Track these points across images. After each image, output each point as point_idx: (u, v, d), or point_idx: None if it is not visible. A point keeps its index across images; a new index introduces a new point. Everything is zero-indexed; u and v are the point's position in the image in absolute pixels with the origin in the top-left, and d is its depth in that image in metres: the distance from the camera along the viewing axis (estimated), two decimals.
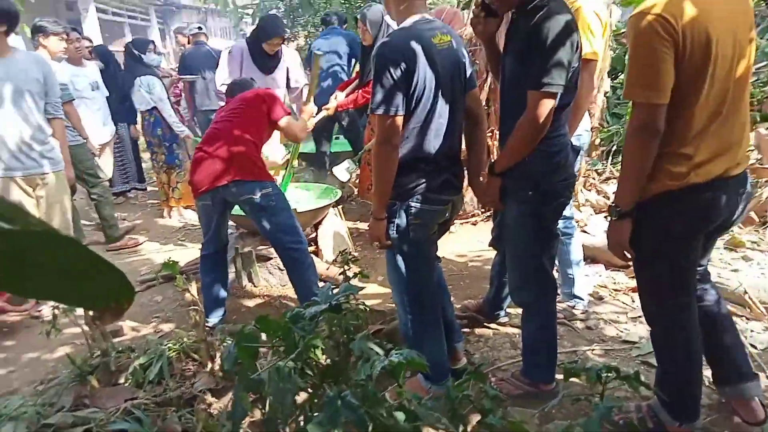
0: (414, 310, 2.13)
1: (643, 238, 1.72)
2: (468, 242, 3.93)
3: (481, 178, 2.19)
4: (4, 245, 0.32)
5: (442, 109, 1.97)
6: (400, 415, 1.00)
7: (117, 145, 5.31)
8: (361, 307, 2.41)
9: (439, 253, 3.67)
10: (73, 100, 4.10)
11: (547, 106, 1.78)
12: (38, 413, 2.10)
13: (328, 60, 4.82)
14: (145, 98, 4.77)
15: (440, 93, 1.94)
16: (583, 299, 2.82)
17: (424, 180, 1.97)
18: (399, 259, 2.07)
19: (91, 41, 4.97)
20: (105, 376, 2.45)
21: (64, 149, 3.42)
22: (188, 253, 4.08)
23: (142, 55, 5.00)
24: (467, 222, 4.21)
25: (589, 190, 4.10)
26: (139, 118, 5.27)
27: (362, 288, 2.24)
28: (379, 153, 1.90)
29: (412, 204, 1.98)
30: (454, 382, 2.13)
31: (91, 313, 2.50)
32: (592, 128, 4.01)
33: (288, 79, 4.47)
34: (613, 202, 1.73)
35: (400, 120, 1.87)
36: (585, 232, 3.66)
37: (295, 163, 3.78)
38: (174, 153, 4.83)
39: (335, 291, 1.36)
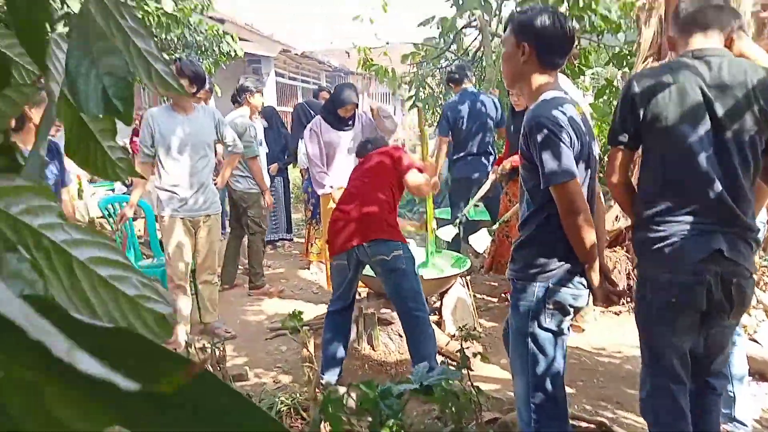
0: (539, 406, 1.90)
1: None
2: (608, 335, 3.56)
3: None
4: None
5: (586, 179, 1.84)
6: None
7: (272, 197, 5.77)
8: (476, 390, 2.28)
9: (572, 343, 3.41)
10: (258, 156, 4.58)
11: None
12: None
13: (474, 126, 4.79)
14: (302, 159, 5.20)
15: (585, 163, 1.83)
16: (746, 425, 2.36)
17: (566, 260, 1.80)
18: (530, 347, 1.87)
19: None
20: None
21: (226, 173, 4.11)
22: (318, 307, 4.21)
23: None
24: (609, 311, 3.82)
25: (764, 291, 3.51)
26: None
27: (462, 375, 2.09)
28: (571, 226, 1.74)
29: (551, 287, 1.82)
30: None
31: (216, 353, 2.65)
32: None
33: None
34: None
35: (578, 184, 1.74)
36: (754, 340, 3.12)
37: (434, 223, 3.75)
38: (317, 210, 5.11)
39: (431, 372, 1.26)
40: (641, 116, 1.78)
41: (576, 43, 7.04)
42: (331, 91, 4.74)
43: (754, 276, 1.80)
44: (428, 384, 1.62)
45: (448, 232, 4.13)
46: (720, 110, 1.70)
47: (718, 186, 1.71)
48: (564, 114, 1.75)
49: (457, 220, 4.27)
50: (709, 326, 1.82)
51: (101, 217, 4.56)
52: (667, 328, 1.82)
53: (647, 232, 1.82)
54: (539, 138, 1.73)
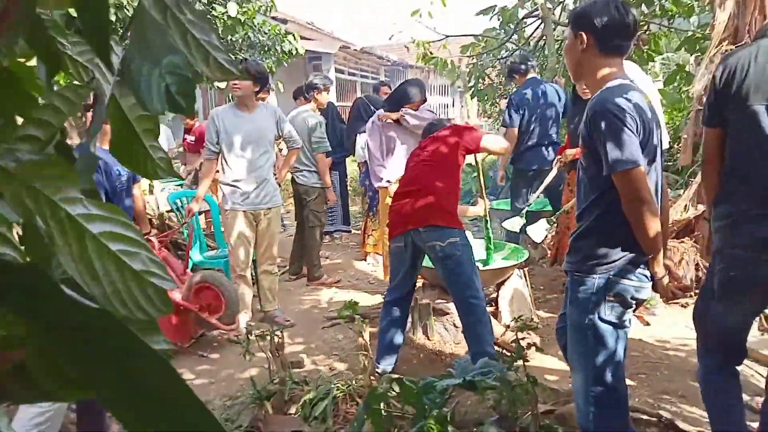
0: (599, 400, 1.84)
1: None
2: (674, 328, 3.40)
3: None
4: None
5: (656, 170, 1.79)
6: None
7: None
8: (531, 381, 2.25)
9: (636, 336, 3.29)
10: (328, 151, 4.69)
11: None
12: None
13: (539, 116, 4.68)
14: (359, 153, 5.27)
15: (654, 153, 1.77)
16: None
17: (628, 251, 1.75)
18: (590, 339, 1.82)
19: None
20: (279, 404, 2.65)
21: (284, 170, 4.20)
22: (375, 297, 4.27)
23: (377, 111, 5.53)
24: (676, 303, 3.65)
25: None
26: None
27: (505, 368, 2.06)
28: (635, 215, 1.69)
29: (612, 278, 1.76)
30: None
31: (275, 340, 2.74)
32: None
33: None
34: None
35: (643, 172, 1.68)
36: None
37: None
38: (374, 202, 5.16)
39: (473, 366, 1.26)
40: (722, 97, 1.79)
41: (645, 28, 6.76)
42: (395, 86, 4.68)
43: None
44: (470, 379, 1.60)
45: (516, 223, 4.05)
46: None
47: None
48: (629, 101, 1.69)
49: (524, 211, 4.19)
50: None
51: (170, 210, 4.80)
52: (725, 304, 1.87)
53: (718, 209, 1.89)
54: (603, 124, 1.69)
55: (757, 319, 3.23)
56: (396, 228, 2.92)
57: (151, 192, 5.63)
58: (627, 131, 1.66)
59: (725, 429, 1.94)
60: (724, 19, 3.62)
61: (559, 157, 4.26)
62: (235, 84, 3.59)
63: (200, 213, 5.03)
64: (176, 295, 3.57)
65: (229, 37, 7.47)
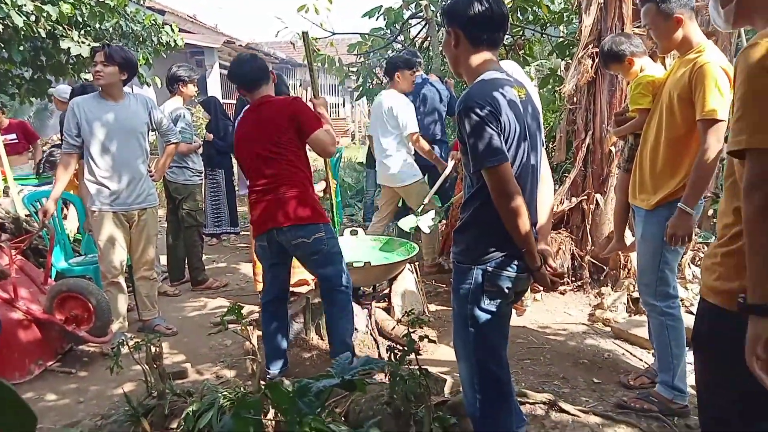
0: (483, 387, 1.88)
1: None
2: (553, 313, 3.60)
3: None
4: None
5: (527, 162, 1.80)
6: None
7: (213, 189, 5.59)
8: (423, 374, 2.24)
9: (520, 323, 3.44)
10: (193, 143, 4.42)
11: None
12: None
13: (424, 114, 4.74)
14: None
15: (525, 144, 1.78)
16: (685, 392, 2.42)
17: (503, 243, 1.77)
18: (471, 329, 1.84)
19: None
20: (158, 420, 2.42)
21: (163, 163, 3.75)
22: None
23: None
24: (555, 291, 3.87)
25: (698, 266, 3.63)
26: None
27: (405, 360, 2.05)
28: (503, 210, 1.70)
29: (489, 268, 1.78)
30: None
31: (151, 350, 2.51)
32: (705, 197, 3.61)
33: None
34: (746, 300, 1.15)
35: (507, 167, 1.69)
36: (691, 313, 3.21)
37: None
38: None
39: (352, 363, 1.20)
40: None
41: (521, 34, 7.15)
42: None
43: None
44: (349, 378, 1.53)
45: (410, 222, 4.06)
46: None
47: None
48: (501, 95, 1.71)
49: (419, 209, 4.21)
50: None
51: (29, 214, 4.28)
52: None
53: None
54: (467, 121, 1.70)
55: (624, 301, 3.51)
56: (259, 226, 2.75)
57: (6, 194, 5.00)
58: (488, 128, 1.67)
59: None
60: (590, 24, 3.90)
61: (453, 152, 4.37)
62: (97, 71, 3.25)
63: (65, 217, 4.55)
64: (36, 308, 3.18)
65: (98, 26, 6.88)
